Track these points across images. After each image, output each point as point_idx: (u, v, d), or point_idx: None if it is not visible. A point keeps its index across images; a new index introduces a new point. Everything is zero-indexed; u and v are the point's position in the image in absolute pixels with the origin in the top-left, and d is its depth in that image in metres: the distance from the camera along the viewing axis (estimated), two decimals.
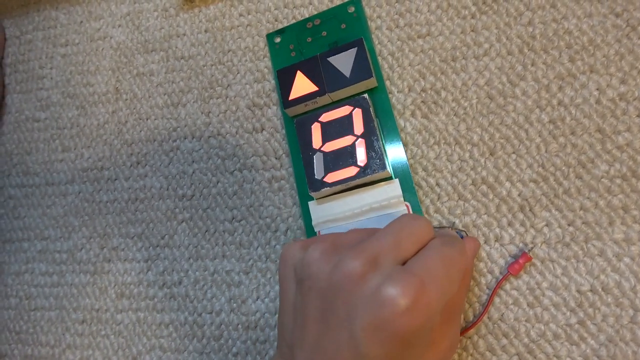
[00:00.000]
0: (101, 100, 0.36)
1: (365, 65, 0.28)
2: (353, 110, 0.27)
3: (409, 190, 0.26)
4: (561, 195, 0.25)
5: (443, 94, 0.28)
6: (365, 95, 0.27)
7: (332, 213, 0.27)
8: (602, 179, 0.25)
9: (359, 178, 0.26)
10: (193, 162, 0.32)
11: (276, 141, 0.31)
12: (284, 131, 0.31)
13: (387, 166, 0.26)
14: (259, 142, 0.31)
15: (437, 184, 0.27)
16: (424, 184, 0.28)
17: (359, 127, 0.27)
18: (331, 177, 0.27)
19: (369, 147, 0.26)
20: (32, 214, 0.36)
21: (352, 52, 0.28)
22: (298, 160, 0.29)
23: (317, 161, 0.27)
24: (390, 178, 0.26)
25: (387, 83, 0.29)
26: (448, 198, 0.27)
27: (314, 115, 0.28)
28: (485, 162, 0.27)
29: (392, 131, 0.28)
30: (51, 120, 0.37)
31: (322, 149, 0.27)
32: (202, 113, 0.33)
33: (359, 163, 0.26)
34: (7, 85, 0.39)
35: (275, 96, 0.31)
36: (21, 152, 0.37)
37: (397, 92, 0.29)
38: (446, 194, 0.27)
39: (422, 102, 0.28)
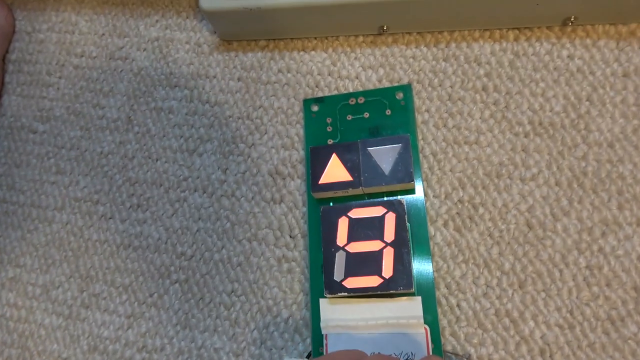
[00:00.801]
0: (109, 126, 0.33)
1: (407, 167, 0.26)
2: (386, 213, 0.25)
3: (430, 309, 0.25)
4: (584, 348, 0.24)
5: (480, 210, 0.27)
6: (403, 200, 0.25)
7: (344, 318, 0.25)
8: (629, 341, 0.24)
9: (380, 290, 0.24)
10: (199, 219, 0.30)
11: (294, 218, 0.29)
12: (304, 209, 0.28)
13: (413, 284, 0.24)
14: (275, 215, 0.29)
15: (458, 306, 0.26)
16: (444, 301, 0.26)
17: (389, 233, 0.25)
18: (351, 282, 0.25)
19: (398, 260, 0.24)
20: (9, 235, 0.32)
21: (396, 148, 0.26)
22: (315, 247, 0.27)
23: (339, 260, 0.25)
24: (412, 293, 0.25)
25: (424, 184, 0.27)
26: (467, 323, 0.25)
27: (343, 208, 0.26)
28: (512, 294, 0.25)
29: (422, 239, 0.26)
30: (49, 136, 0.34)
31: (346, 247, 0.25)
32: (218, 168, 0.30)
33: (383, 274, 0.24)
34: (6, 84, 0.35)
35: (301, 168, 0.29)
36: (9, 163, 0.34)
37: (433, 196, 0.27)
38: (466, 318, 0.25)
39: (457, 213, 0.27)
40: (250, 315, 0.28)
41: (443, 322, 0.26)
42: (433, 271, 0.26)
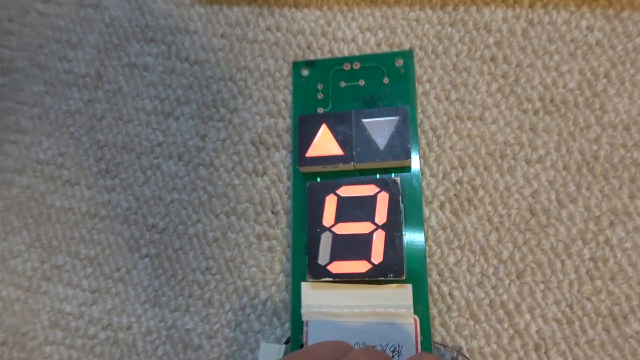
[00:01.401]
0: (77, 82, 0.30)
1: (405, 142, 0.23)
2: (379, 192, 0.23)
3: (421, 299, 0.23)
4: (582, 345, 0.23)
5: (480, 192, 0.24)
6: (397, 179, 0.23)
7: (327, 305, 0.23)
8: (630, 339, 0.22)
9: (368, 277, 0.22)
10: (174, 189, 0.27)
11: (277, 192, 0.26)
12: (289, 183, 0.26)
13: (405, 271, 0.22)
14: (256, 188, 0.26)
15: (450, 294, 0.24)
16: (435, 289, 0.24)
17: (382, 214, 0.23)
18: (336, 267, 0.22)
19: (389, 244, 0.22)
20: None
21: (393, 121, 0.24)
22: (299, 226, 0.25)
23: (325, 242, 0.23)
24: (403, 281, 0.23)
25: (421, 162, 0.25)
26: (459, 314, 0.24)
27: (332, 184, 0.24)
28: (509, 284, 0.23)
29: (415, 221, 0.24)
30: (10, 90, 0.30)
31: (333, 228, 0.23)
32: (196, 134, 0.28)
33: (372, 259, 0.22)
34: None
35: (287, 138, 0.27)
36: None
37: (430, 175, 0.25)
38: (458, 308, 0.24)
39: (455, 195, 0.25)
40: (225, 295, 0.26)
41: (433, 311, 0.24)
42: (426, 257, 0.24)
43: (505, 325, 0.23)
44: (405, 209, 0.24)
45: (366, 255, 0.22)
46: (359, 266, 0.22)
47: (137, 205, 0.27)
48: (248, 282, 0.26)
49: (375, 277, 0.22)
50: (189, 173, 0.27)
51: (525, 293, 0.23)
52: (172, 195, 0.27)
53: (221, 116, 0.28)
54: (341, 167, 0.24)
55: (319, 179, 0.25)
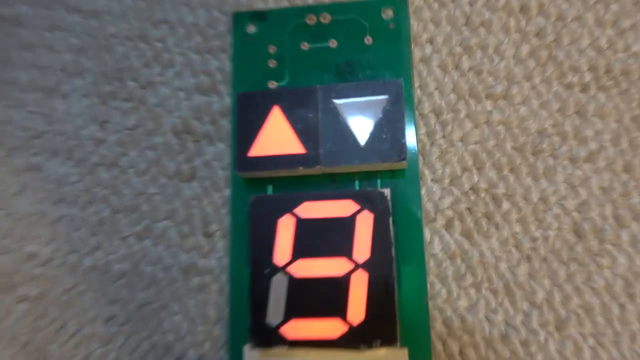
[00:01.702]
0: None
1: (397, 135, 0.15)
2: (359, 212, 0.15)
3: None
4: None
5: (505, 205, 0.17)
6: (387, 191, 0.15)
7: None
8: None
9: (344, 345, 0.15)
10: (59, 201, 0.19)
11: (212, 205, 0.18)
12: (228, 192, 0.18)
13: (398, 333, 0.15)
14: (181, 199, 0.18)
15: (462, 354, 0.17)
16: (439, 347, 0.17)
17: (363, 246, 0.15)
18: (295, 329, 0.15)
19: (375, 293, 0.15)
20: None
21: (380, 102, 0.16)
22: (242, 255, 0.17)
23: (277, 290, 0.15)
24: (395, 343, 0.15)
25: (420, 161, 0.17)
26: None
27: (288, 199, 0.16)
28: (545, 338, 0.16)
29: (411, 248, 0.16)
30: None
31: (289, 268, 0.15)
32: (94, 119, 0.19)
33: (349, 318, 0.15)
34: None
35: (226, 126, 0.18)
36: None
37: (431, 180, 0.17)
38: None
39: (468, 209, 0.17)
40: (138, 356, 0.18)
41: None
42: (427, 301, 0.16)
43: None
44: (398, 233, 0.16)
45: (340, 311, 0.15)
46: (329, 328, 0.15)
47: (8, 225, 0.19)
48: (170, 337, 0.18)
49: (353, 344, 0.14)
50: (84, 177, 0.19)
51: (569, 351, 0.16)
52: (59, 210, 0.19)
53: (129, 93, 0.19)
54: (302, 171, 0.16)
55: (270, 190, 0.17)
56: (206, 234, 0.18)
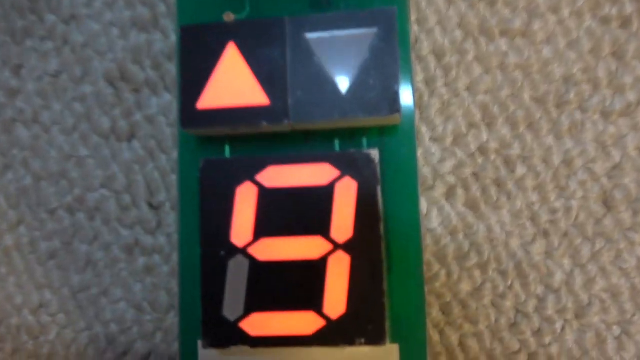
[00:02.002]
0: None
1: (389, 81, 0.12)
2: (339, 179, 0.12)
3: (415, 358, 0.13)
4: None
5: (520, 170, 0.14)
6: (375, 152, 0.12)
7: None
8: None
9: (319, 342, 0.12)
10: None
11: (158, 171, 0.15)
12: (175, 155, 0.14)
13: (387, 328, 0.12)
14: (120, 163, 0.15)
15: (462, 346, 0.14)
16: (436, 337, 0.14)
17: (343, 221, 0.12)
18: (258, 325, 0.12)
19: (358, 280, 0.12)
20: None
21: (366, 37, 0.12)
22: (193, 233, 0.13)
23: (234, 277, 0.12)
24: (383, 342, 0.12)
25: (416, 116, 0.14)
26: None
27: (248, 163, 0.12)
28: (563, 327, 0.14)
29: (404, 222, 0.13)
30: None
31: (250, 249, 0.12)
32: (4, 63, 0.15)
33: (326, 310, 0.12)
34: None
35: (174, 71, 0.15)
36: None
37: (430, 139, 0.14)
38: None
39: (475, 175, 0.14)
40: (75, 350, 0.15)
41: None
42: (422, 285, 0.13)
43: None
44: (388, 206, 0.13)
45: (314, 303, 0.12)
46: (301, 323, 0.12)
47: None
48: (114, 328, 0.15)
49: (331, 342, 0.12)
50: None
51: (589, 342, 0.14)
52: None
53: (48, 29, 0.15)
54: (266, 128, 0.12)
55: (227, 152, 0.13)
56: (152, 205, 0.15)
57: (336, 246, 0.12)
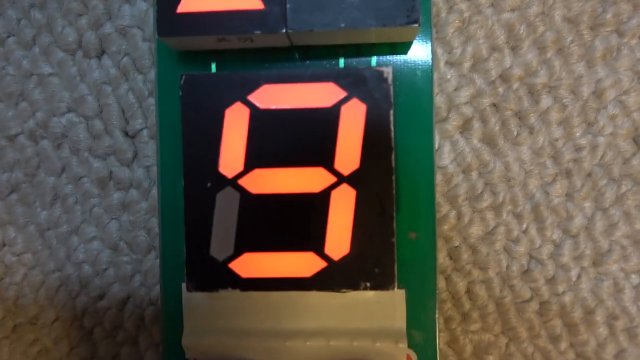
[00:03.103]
0: None
1: None
2: (345, 100, 0.10)
3: (423, 315, 0.11)
4: None
5: (545, 102, 0.12)
6: (387, 71, 0.10)
7: (236, 330, 0.11)
8: None
9: (318, 286, 0.10)
10: None
11: (134, 93, 0.13)
12: (153, 74, 0.12)
13: (396, 273, 0.10)
14: (89, 83, 0.13)
15: (469, 292, 0.13)
16: (442, 284, 0.13)
17: (349, 150, 0.10)
18: (250, 265, 0.10)
19: (364, 217, 0.10)
20: None
21: None
22: (173, 163, 0.12)
23: (223, 212, 0.10)
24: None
25: (432, 33, 0.12)
26: (482, 326, 0.13)
27: (239, 80, 0.10)
28: (579, 275, 0.13)
29: (415, 157, 0.11)
30: None
31: (241, 182, 0.10)
32: None
33: (327, 251, 0.10)
34: None
35: None
36: None
37: (445, 63, 0.12)
38: (481, 316, 0.13)
39: (494, 106, 0.12)
40: (45, 295, 0.13)
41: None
42: (433, 227, 0.12)
43: (563, 347, 0.13)
44: (395, 135, 0.11)
45: (314, 242, 0.10)
46: (299, 264, 0.10)
47: None
48: (87, 270, 0.13)
49: (332, 285, 0.10)
50: None
51: (605, 291, 0.13)
52: None
53: None
54: (260, 40, 0.11)
55: (213, 66, 0.11)
56: (127, 133, 0.13)
57: (340, 178, 0.10)
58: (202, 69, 0.11)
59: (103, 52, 0.13)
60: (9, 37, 0.13)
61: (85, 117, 0.13)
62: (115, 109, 0.13)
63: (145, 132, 0.13)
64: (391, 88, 0.10)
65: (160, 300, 0.12)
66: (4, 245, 0.13)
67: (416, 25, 0.10)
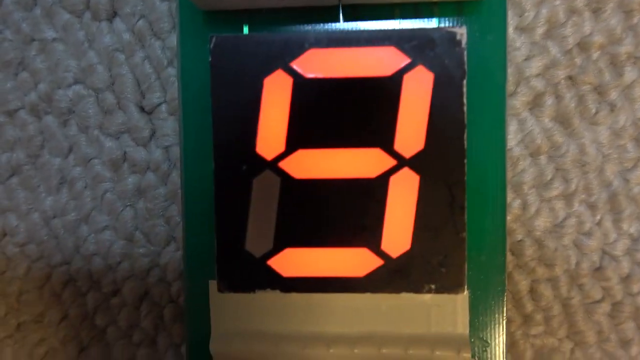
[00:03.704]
0: None
1: None
2: (408, 68, 0.09)
3: (487, 319, 0.10)
4: None
5: (630, 75, 0.10)
6: (461, 32, 0.08)
7: (270, 333, 0.10)
8: None
9: (373, 288, 0.09)
10: None
11: (151, 62, 0.11)
12: (173, 40, 0.11)
13: (465, 274, 0.09)
14: (99, 50, 0.11)
15: (532, 292, 0.11)
16: (511, 282, 0.11)
17: (413, 127, 0.09)
18: (292, 263, 0.09)
19: (430, 210, 0.09)
20: None
21: None
22: (200, 136, 0.10)
23: (261, 201, 0.09)
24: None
25: None
26: (545, 329, 0.11)
27: (280, 44, 0.09)
28: None
29: (488, 137, 0.10)
30: None
31: (282, 165, 0.09)
32: None
33: (384, 247, 0.09)
34: None
35: None
36: None
37: (515, 29, 0.11)
38: (545, 319, 0.11)
39: (570, 79, 0.11)
40: (50, 289, 0.12)
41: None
42: (504, 219, 0.10)
43: (635, 352, 0.11)
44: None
45: (369, 236, 0.09)
46: (351, 262, 0.09)
47: None
48: (98, 263, 0.12)
49: (390, 287, 0.09)
50: None
51: None
52: None
53: None
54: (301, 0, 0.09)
55: (245, 29, 0.10)
56: (143, 108, 0.11)
57: (401, 161, 0.09)
58: (231, 28, 0.10)
59: (115, 13, 0.11)
60: None
61: (94, 89, 0.11)
62: (130, 80, 0.11)
63: (163, 107, 0.11)
64: (465, 53, 0.08)
65: (184, 299, 0.10)
66: (5, 234, 0.12)
67: None
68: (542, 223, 0.11)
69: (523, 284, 0.11)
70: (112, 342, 0.12)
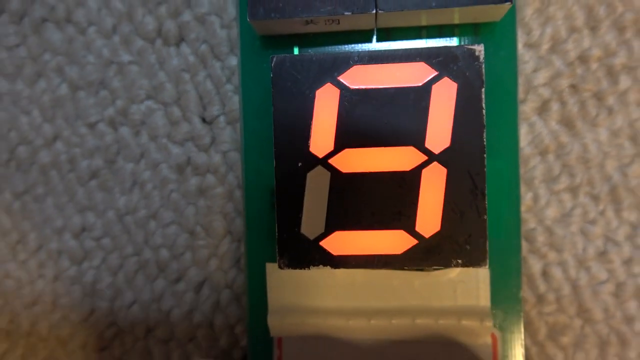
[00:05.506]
0: None
1: None
2: (436, 80, 0.10)
3: (507, 294, 0.12)
4: None
5: (625, 83, 0.12)
6: (479, 49, 0.10)
7: (319, 309, 0.11)
8: None
9: (410, 263, 0.10)
10: None
11: (212, 80, 0.13)
12: (234, 61, 0.13)
13: (487, 251, 0.10)
14: (167, 70, 0.13)
15: (545, 275, 0.13)
16: (525, 265, 0.13)
17: (440, 128, 0.10)
18: (340, 243, 0.11)
19: (456, 195, 0.10)
20: None
21: None
22: (258, 147, 0.12)
23: (314, 191, 0.11)
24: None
25: (516, 11, 0.12)
26: (557, 307, 0.13)
27: (330, 61, 0.11)
28: None
29: (502, 138, 0.12)
30: None
31: (332, 161, 0.11)
32: None
33: (418, 228, 0.10)
34: None
35: None
36: None
37: (524, 45, 0.12)
38: (556, 298, 0.13)
39: (573, 87, 0.12)
40: (123, 277, 0.14)
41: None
42: (518, 210, 0.12)
43: (638, 327, 0.13)
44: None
45: (405, 220, 0.10)
46: (389, 242, 0.10)
47: None
48: (164, 254, 0.14)
49: (423, 262, 0.10)
50: (25, 39, 0.13)
51: None
52: None
53: None
54: (346, 22, 0.11)
55: (296, 50, 0.12)
56: (205, 119, 0.13)
57: (431, 157, 0.10)
58: (285, 49, 0.12)
59: (182, 39, 0.13)
60: (89, 26, 0.13)
61: (163, 104, 0.13)
62: (193, 95, 0.13)
63: (222, 118, 0.13)
64: (483, 66, 0.10)
65: (245, 280, 0.12)
66: (84, 230, 0.14)
67: (509, 3, 0.10)
68: (551, 213, 0.13)
69: (536, 267, 0.13)
70: (176, 323, 0.14)
